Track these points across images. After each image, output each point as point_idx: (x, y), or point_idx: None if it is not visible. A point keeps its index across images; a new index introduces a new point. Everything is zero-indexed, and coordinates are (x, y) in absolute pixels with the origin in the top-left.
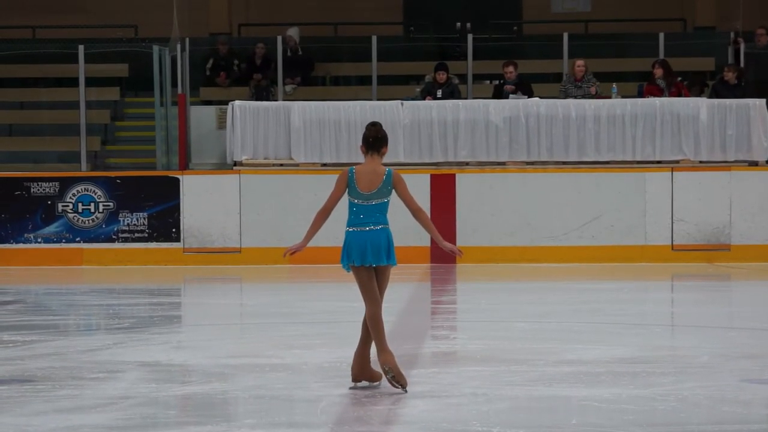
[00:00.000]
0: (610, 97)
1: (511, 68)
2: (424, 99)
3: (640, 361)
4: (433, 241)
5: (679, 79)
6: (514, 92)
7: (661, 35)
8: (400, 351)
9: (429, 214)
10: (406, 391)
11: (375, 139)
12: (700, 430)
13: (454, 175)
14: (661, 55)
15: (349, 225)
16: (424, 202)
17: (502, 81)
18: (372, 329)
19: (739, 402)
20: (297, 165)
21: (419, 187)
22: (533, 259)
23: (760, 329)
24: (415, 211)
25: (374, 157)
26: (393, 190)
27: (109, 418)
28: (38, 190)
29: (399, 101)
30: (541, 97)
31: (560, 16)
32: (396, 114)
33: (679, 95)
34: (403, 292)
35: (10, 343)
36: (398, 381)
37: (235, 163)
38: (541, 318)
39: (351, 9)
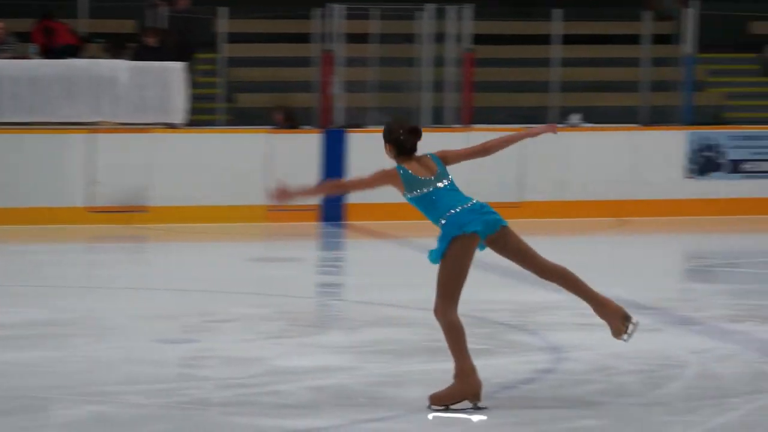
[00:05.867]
0: (29, 58)
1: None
2: None
3: (55, 324)
4: None
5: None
6: None
7: None
8: None
9: None
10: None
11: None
12: (115, 391)
13: None
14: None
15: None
16: None
17: None
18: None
19: (152, 361)
20: None
21: None
22: None
23: (176, 290)
24: (482, 151)
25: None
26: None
27: None
28: None
29: None
30: None
31: None
32: None
33: None
34: None
35: None
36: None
37: None
38: None
39: None
